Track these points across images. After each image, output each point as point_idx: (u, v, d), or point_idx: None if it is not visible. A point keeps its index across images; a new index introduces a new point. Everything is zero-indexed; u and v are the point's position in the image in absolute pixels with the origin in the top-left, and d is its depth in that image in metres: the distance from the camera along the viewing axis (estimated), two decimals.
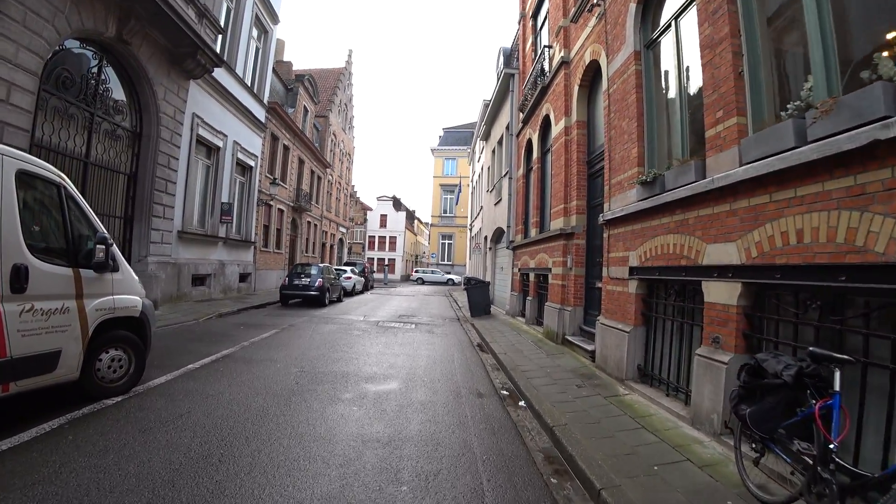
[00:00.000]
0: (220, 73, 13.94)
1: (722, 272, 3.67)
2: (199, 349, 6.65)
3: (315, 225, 27.41)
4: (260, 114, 17.63)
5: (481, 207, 21.36)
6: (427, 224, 56.79)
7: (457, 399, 4.86)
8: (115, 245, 4.39)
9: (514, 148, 13.00)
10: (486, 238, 18.65)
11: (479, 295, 13.01)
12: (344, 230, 36.42)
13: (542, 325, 9.38)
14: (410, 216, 59.45)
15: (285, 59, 27.89)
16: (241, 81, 15.68)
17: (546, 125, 10.08)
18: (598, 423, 4.04)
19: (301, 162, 24.00)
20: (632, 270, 5.24)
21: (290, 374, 5.46)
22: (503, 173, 14.61)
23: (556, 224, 8.43)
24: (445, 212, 45.05)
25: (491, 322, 11.49)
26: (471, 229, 29.19)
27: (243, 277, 16.74)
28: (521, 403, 4.87)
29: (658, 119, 5.32)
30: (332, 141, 30.81)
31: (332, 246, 32.27)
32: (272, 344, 7.47)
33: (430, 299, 20.79)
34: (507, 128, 14.39)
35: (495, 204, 15.93)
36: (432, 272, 42.67)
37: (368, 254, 50.44)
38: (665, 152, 5.18)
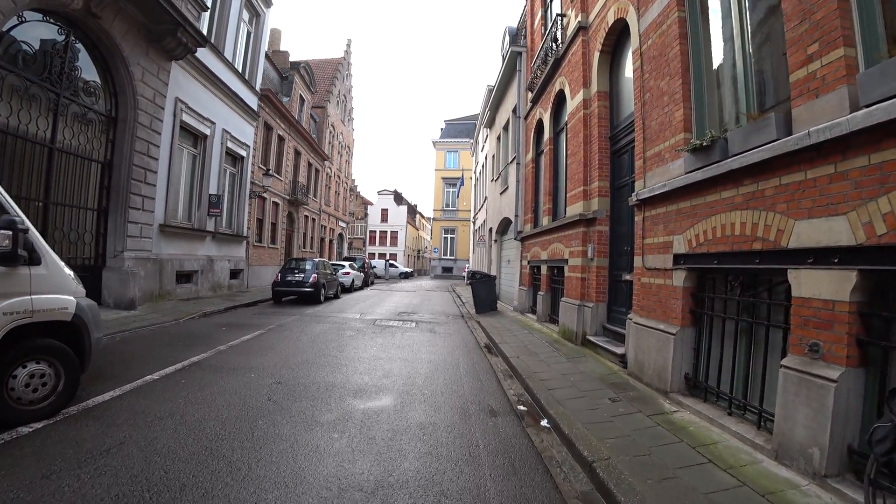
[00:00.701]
0: (206, 57, 13.03)
1: (822, 257, 2.73)
2: (168, 355, 5.76)
3: (313, 219, 26.50)
4: (252, 101, 16.69)
5: (485, 198, 20.39)
6: (429, 219, 55.86)
7: (464, 419, 3.94)
8: (33, 231, 3.48)
9: (522, 132, 12.04)
10: (490, 230, 17.70)
11: (484, 290, 12.09)
12: (343, 225, 35.53)
13: (556, 324, 8.46)
14: (412, 210, 58.54)
15: (282, 48, 26.95)
16: (230, 66, 14.73)
17: (559, 102, 9.12)
18: (648, 454, 3.12)
19: (297, 153, 23.06)
20: (677, 259, 4.30)
21: (263, 388, 4.55)
22: (509, 160, 13.66)
23: (573, 209, 7.49)
24: (448, 205, 44.03)
25: (498, 319, 10.57)
26: (474, 222, 28.25)
27: (235, 274, 15.86)
28: (545, 423, 3.95)
29: (707, 73, 4.36)
30: (330, 133, 29.85)
31: (331, 241, 31.37)
32: (252, 348, 6.57)
33: (431, 295, 19.89)
34: (514, 111, 13.42)
35: (501, 193, 14.98)
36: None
37: (369, 249, 49.56)
38: (717, 113, 4.22)
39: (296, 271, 13.74)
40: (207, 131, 13.64)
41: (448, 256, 44.63)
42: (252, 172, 17.21)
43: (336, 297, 16.22)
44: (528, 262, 10.84)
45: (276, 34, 28.69)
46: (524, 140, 11.98)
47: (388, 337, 8.00)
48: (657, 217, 4.72)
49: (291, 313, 11.02)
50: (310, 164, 25.48)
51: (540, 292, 9.59)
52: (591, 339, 6.55)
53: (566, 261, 7.70)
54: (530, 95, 11.33)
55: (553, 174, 9.35)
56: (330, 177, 30.55)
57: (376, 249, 49.66)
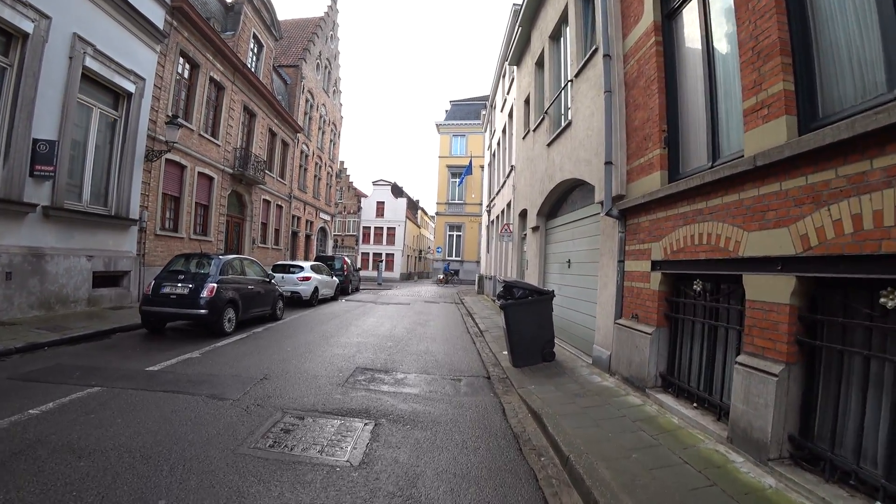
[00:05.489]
0: None
1: None
2: None
3: (279, 206, 20.36)
4: (152, 12, 10.59)
5: (510, 169, 14.14)
6: (432, 216, 49.44)
7: None
8: None
9: None
10: (524, 213, 11.47)
11: (531, 321, 5.94)
12: (327, 217, 29.31)
13: (821, 475, 2.31)
14: (413, 205, 52.26)
15: None
16: None
17: None
18: None
19: (250, 114, 16.94)
20: None
21: None
22: (571, 75, 7.46)
23: None
24: (453, 198, 37.71)
25: (573, 398, 4.42)
26: (489, 211, 22.01)
27: (109, 280, 9.73)
28: None
29: None
30: (306, 101, 23.73)
31: (308, 236, 25.22)
32: None
33: (430, 312, 13.64)
34: None
35: (549, 144, 8.71)
36: None
37: (362, 248, 43.31)
38: None
39: (181, 277, 7.59)
40: (30, 28, 7.56)
41: (454, 257, 38.33)
42: (153, 122, 11.11)
43: (274, 317, 10.03)
44: (661, 264, 4.64)
45: None
46: (617, 10, 5.80)
47: None
48: None
49: (94, 377, 4.82)
50: (273, 134, 19.34)
51: (773, 363, 3.17)
52: None
53: None
54: None
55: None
56: (306, 156, 24.40)
57: (371, 248, 43.34)
